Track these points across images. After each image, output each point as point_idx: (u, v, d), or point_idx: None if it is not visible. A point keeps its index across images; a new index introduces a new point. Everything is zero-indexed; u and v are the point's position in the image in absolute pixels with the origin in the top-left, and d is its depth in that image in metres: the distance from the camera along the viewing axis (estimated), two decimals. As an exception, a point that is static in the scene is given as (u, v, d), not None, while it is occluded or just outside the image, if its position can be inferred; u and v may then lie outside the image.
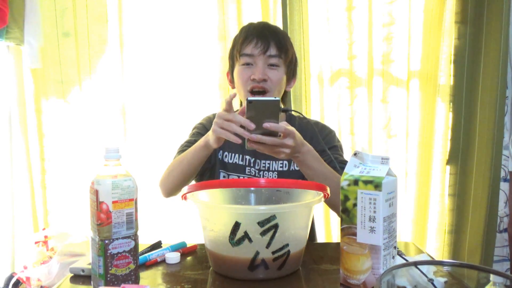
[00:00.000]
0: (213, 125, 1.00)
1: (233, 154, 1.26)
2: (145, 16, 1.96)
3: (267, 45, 1.17)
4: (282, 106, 0.99)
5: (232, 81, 1.28)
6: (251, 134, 0.95)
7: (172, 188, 1.20)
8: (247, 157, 1.25)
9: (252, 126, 0.94)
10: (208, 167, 1.25)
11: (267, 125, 0.94)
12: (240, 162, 1.25)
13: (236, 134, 0.96)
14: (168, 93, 1.98)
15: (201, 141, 1.09)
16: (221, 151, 1.27)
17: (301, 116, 1.26)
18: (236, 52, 1.22)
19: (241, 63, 1.20)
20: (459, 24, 1.96)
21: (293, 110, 1.11)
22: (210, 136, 1.04)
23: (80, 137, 1.97)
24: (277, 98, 0.95)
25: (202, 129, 1.31)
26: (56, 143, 1.98)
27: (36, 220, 1.99)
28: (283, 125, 0.96)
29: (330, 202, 1.14)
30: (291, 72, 1.27)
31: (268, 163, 1.24)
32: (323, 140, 1.12)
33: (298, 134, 1.00)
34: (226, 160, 1.26)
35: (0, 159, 1.96)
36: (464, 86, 1.98)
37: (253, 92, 1.18)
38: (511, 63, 1.96)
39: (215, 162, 1.27)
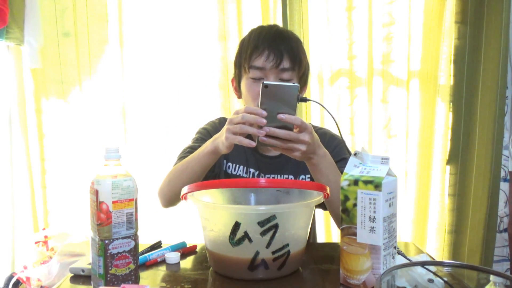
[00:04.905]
0: (225, 133, 0.93)
1: (237, 166, 1.20)
2: (145, 16, 1.96)
3: (280, 58, 1.07)
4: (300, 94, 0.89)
5: (237, 90, 1.19)
6: (263, 127, 0.87)
7: (172, 198, 1.12)
8: (251, 170, 1.19)
9: (264, 113, 0.85)
10: (210, 175, 1.17)
11: (282, 116, 0.86)
12: (244, 175, 1.19)
13: (249, 137, 0.88)
14: (168, 93, 1.98)
15: (207, 147, 1.02)
16: (224, 161, 1.20)
17: (321, 106, 1.09)
18: (244, 62, 1.11)
19: (250, 76, 1.10)
20: (459, 24, 1.96)
21: (312, 100, 1.03)
22: (220, 142, 0.97)
23: (80, 137, 1.97)
24: (296, 84, 0.87)
25: (206, 134, 1.23)
26: (56, 143, 1.98)
27: (36, 220, 1.99)
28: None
29: (334, 212, 1.07)
30: (304, 82, 1.18)
31: (272, 177, 1.18)
32: (331, 152, 1.02)
33: (315, 133, 0.93)
34: (229, 171, 1.20)
35: (0, 159, 1.96)
36: (464, 86, 1.98)
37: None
38: (511, 63, 1.96)
39: (219, 172, 1.20)
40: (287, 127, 0.88)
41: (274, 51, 1.06)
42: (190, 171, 1.06)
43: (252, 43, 1.10)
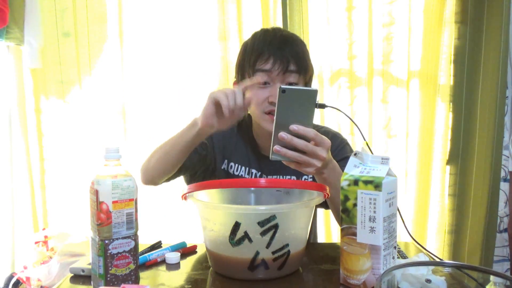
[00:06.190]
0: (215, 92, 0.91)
1: (239, 166, 1.19)
2: (145, 16, 1.96)
3: (286, 64, 1.04)
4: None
5: None
6: (279, 132, 0.78)
7: (153, 175, 1.10)
8: (254, 170, 1.18)
9: (243, 102, 0.83)
10: (206, 173, 1.18)
11: (295, 127, 0.78)
12: (246, 176, 1.18)
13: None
14: (168, 93, 1.98)
15: (189, 122, 1.01)
16: (226, 161, 1.20)
17: (339, 110, 1.00)
18: (248, 67, 1.08)
19: None
20: (459, 24, 1.96)
21: (331, 106, 0.94)
22: (200, 113, 0.95)
23: (80, 137, 1.97)
24: (315, 88, 0.79)
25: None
26: (56, 143, 1.98)
27: (36, 220, 1.99)
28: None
29: (338, 213, 1.06)
30: (309, 86, 1.16)
31: (275, 178, 1.16)
32: (334, 151, 0.99)
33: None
34: (231, 171, 1.19)
35: (0, 159, 1.96)
36: (464, 86, 1.98)
37: (271, 114, 1.03)
38: (511, 63, 1.96)
39: (214, 168, 1.20)
40: (301, 138, 0.79)
41: (280, 58, 1.04)
42: (170, 145, 1.04)
43: (256, 49, 1.08)
